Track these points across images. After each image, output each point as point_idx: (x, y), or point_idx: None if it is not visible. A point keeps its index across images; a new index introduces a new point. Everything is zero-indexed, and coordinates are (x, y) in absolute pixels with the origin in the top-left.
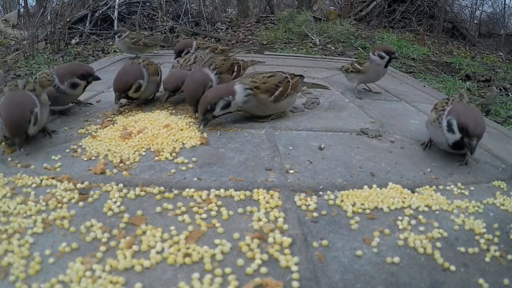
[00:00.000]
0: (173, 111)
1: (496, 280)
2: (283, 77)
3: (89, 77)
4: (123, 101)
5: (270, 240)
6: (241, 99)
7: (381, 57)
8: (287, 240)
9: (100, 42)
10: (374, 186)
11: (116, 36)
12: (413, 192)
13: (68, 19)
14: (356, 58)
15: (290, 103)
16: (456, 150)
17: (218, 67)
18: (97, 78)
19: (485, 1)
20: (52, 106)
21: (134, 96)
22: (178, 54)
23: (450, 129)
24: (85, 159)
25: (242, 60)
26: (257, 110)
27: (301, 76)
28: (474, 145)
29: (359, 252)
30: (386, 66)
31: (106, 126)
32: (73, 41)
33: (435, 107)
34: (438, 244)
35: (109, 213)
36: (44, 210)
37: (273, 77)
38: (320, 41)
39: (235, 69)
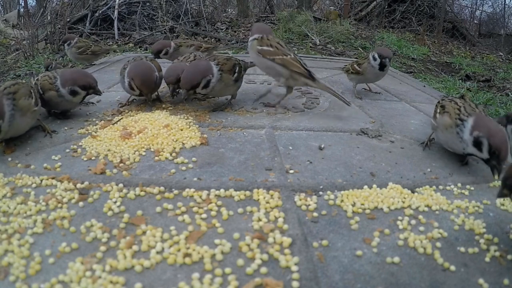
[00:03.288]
0: (173, 111)
1: (496, 280)
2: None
3: (90, 89)
4: (123, 101)
5: (270, 240)
6: (216, 78)
7: (374, 59)
8: (287, 240)
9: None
10: (374, 186)
11: (65, 44)
12: (413, 192)
13: (68, 19)
14: (356, 58)
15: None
16: (470, 156)
17: (221, 64)
18: (98, 92)
19: (485, 1)
20: (55, 109)
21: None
22: (156, 54)
23: (477, 146)
24: (85, 159)
25: (243, 60)
26: (221, 91)
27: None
28: (501, 169)
29: (359, 252)
30: (381, 69)
31: (106, 126)
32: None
33: (446, 111)
34: (438, 244)
35: (109, 213)
36: (44, 210)
37: (230, 60)
38: (320, 41)
39: (237, 70)
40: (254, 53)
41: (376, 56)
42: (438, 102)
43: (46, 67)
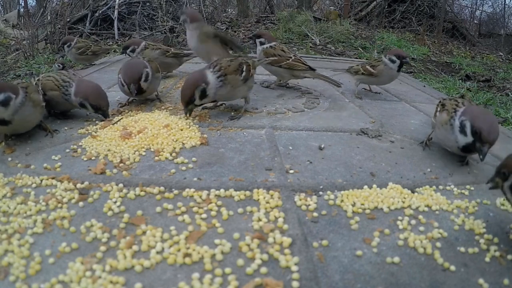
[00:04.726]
0: (173, 111)
1: (496, 280)
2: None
3: (99, 110)
4: (123, 101)
5: (270, 240)
6: (215, 85)
7: (392, 61)
8: (287, 240)
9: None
10: (374, 186)
11: (65, 46)
12: (413, 192)
13: (68, 19)
14: (356, 58)
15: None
16: (465, 153)
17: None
18: (106, 116)
19: (485, 1)
20: (55, 109)
21: (144, 86)
22: (124, 49)
23: (462, 130)
24: (85, 159)
25: (251, 59)
26: (230, 95)
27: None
28: (485, 152)
29: (359, 252)
30: (398, 70)
31: (106, 126)
32: None
33: (445, 109)
34: (438, 244)
35: (109, 213)
36: (44, 210)
37: (234, 60)
38: (320, 41)
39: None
40: (263, 63)
41: (394, 58)
42: (440, 101)
43: (62, 66)
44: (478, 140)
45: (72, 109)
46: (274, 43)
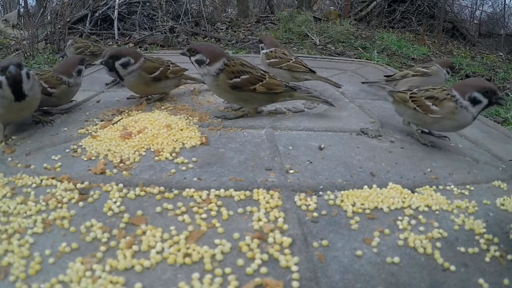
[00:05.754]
0: (173, 111)
1: (496, 280)
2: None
3: (83, 61)
4: (123, 100)
5: (270, 240)
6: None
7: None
8: (287, 240)
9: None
10: (374, 186)
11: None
12: (413, 192)
13: (68, 19)
14: (356, 58)
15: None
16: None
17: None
18: (88, 62)
19: (485, 1)
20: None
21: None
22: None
23: (475, 101)
24: (85, 159)
25: (265, 72)
26: (213, 88)
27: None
28: (503, 98)
29: (359, 252)
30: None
31: (106, 126)
32: None
33: (440, 98)
34: (438, 244)
35: (109, 213)
36: (44, 210)
37: (243, 66)
38: (320, 41)
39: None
40: (265, 64)
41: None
42: (410, 97)
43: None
44: (492, 96)
45: (73, 97)
46: (273, 48)
